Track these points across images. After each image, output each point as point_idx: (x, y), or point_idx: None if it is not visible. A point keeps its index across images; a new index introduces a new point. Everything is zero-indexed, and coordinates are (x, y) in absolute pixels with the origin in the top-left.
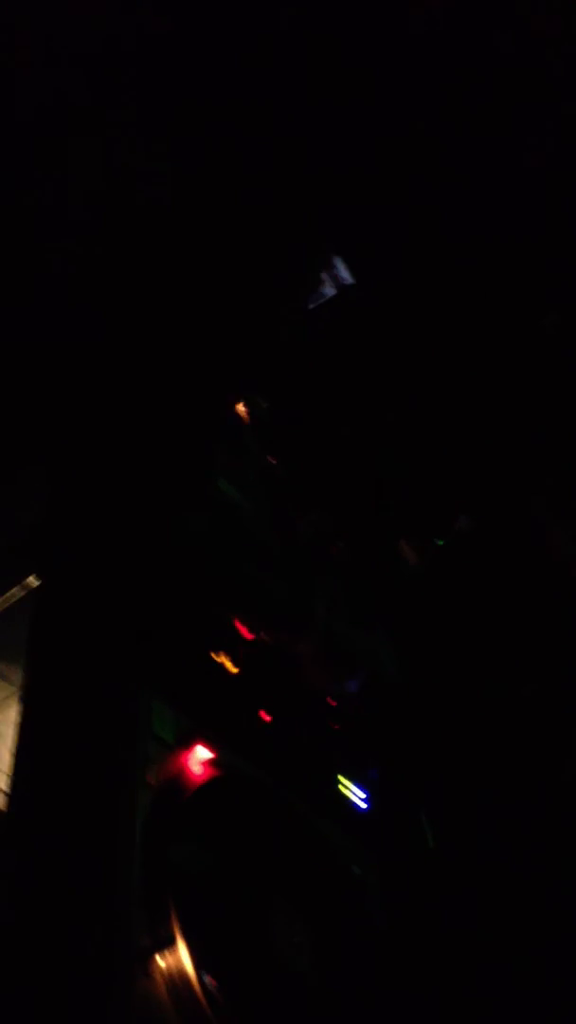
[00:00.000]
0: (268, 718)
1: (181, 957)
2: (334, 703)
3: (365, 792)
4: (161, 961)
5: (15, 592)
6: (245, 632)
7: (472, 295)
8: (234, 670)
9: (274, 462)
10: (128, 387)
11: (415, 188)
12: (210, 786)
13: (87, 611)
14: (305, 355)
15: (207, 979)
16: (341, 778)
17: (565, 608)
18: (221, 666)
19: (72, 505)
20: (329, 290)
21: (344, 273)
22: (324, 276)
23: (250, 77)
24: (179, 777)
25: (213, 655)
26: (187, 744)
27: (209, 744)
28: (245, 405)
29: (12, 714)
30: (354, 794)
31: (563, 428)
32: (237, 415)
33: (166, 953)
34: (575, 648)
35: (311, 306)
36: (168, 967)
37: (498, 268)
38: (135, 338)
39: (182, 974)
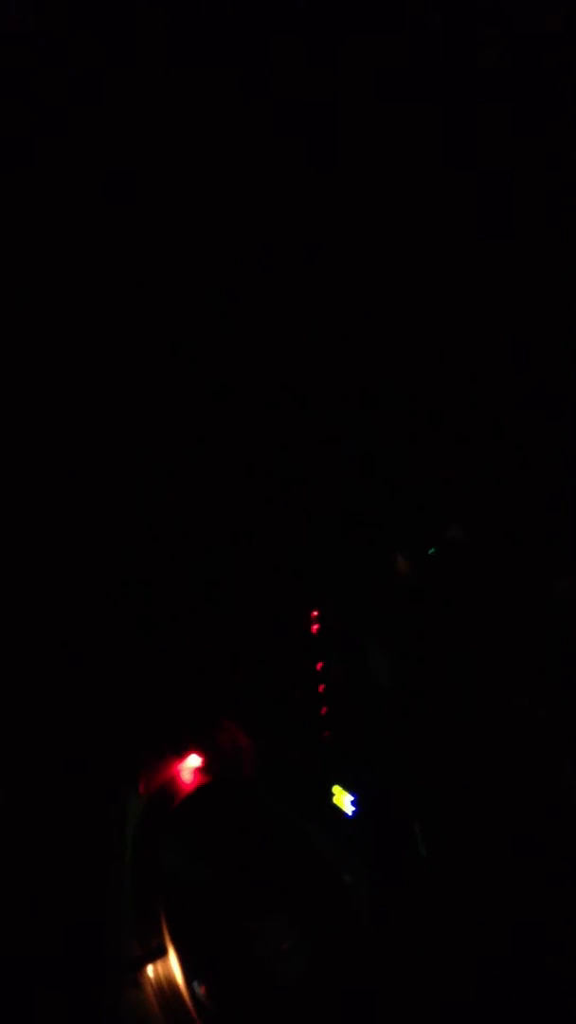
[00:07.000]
0: (261, 726)
1: (171, 966)
2: (325, 711)
3: (355, 796)
4: (151, 970)
5: None
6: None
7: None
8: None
9: None
10: None
11: None
12: (201, 793)
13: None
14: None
15: (197, 986)
16: (336, 789)
17: (558, 619)
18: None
19: None
20: None
21: None
22: None
23: None
24: (169, 785)
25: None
26: (178, 752)
27: (200, 752)
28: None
29: None
30: (346, 802)
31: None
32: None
33: (157, 963)
34: (569, 660)
35: None
36: (158, 976)
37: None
38: None
39: (171, 983)
